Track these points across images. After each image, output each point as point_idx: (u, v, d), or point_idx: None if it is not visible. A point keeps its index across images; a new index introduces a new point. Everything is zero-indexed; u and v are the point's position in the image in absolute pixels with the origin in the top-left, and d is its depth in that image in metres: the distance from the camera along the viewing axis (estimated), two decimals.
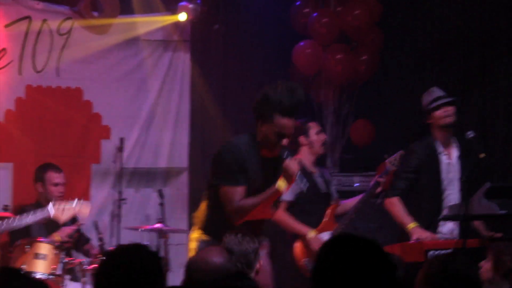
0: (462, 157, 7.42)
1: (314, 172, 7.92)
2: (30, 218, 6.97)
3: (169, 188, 9.17)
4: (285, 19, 9.77)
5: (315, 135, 7.97)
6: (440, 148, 7.37)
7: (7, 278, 3.48)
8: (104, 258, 3.59)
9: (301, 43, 9.58)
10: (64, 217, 7.08)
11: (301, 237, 7.63)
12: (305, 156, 7.87)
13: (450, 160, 7.38)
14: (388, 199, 7.34)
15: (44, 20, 8.72)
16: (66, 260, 7.07)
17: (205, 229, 6.30)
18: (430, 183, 7.35)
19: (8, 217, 7.08)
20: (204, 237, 6.18)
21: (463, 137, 7.26)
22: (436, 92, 7.51)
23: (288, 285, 7.61)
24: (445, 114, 7.28)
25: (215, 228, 6.06)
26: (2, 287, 3.45)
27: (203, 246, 6.07)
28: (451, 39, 9.31)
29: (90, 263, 7.20)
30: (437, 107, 7.31)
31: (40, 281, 3.95)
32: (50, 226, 7.54)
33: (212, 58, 9.62)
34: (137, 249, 3.43)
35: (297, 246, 7.63)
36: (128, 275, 3.23)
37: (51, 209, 6.97)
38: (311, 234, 7.54)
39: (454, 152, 7.42)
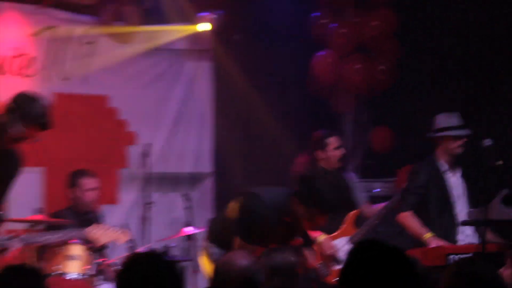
0: (464, 176, 7.54)
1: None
2: (68, 235, 6.96)
3: (194, 192, 9.31)
4: (304, 29, 9.84)
5: (332, 150, 8.04)
6: (443, 167, 7.49)
7: (15, 275, 3.72)
8: (122, 265, 3.63)
9: (320, 53, 9.74)
10: (102, 241, 7.00)
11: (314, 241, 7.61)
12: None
13: (454, 178, 7.50)
14: (402, 214, 7.42)
15: (71, 29, 8.91)
16: (99, 260, 7.24)
17: (215, 240, 6.49)
18: (438, 199, 7.45)
19: (49, 229, 7.20)
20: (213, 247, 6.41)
21: (478, 145, 7.23)
22: (455, 119, 7.57)
23: None
24: (458, 145, 7.40)
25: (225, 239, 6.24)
26: (10, 283, 3.67)
27: (216, 255, 6.28)
28: (469, 48, 9.36)
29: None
30: (454, 138, 7.43)
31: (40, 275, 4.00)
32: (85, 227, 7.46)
33: (233, 67, 9.61)
34: (152, 257, 3.56)
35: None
36: (143, 283, 3.33)
37: (90, 232, 6.85)
38: (320, 238, 7.55)
39: (458, 171, 7.55)
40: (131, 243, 7.51)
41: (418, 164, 7.73)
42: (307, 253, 6.68)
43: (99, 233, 6.83)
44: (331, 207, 6.22)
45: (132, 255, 4.48)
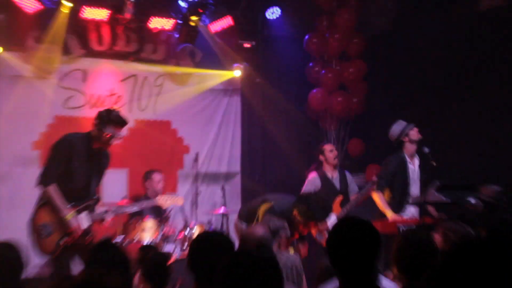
0: (421, 165, 7.59)
1: (334, 176, 8.05)
2: (145, 204, 7.21)
3: (228, 185, 9.32)
4: (303, 74, 9.90)
5: (328, 153, 8.05)
6: (407, 159, 7.53)
7: (102, 247, 3.83)
8: (197, 237, 3.75)
9: (314, 91, 9.76)
10: (166, 205, 7.41)
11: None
12: (326, 167, 8.03)
13: (413, 167, 7.56)
14: (375, 193, 7.49)
15: (145, 77, 9.07)
16: (164, 231, 7.44)
17: (243, 219, 6.78)
18: (400, 182, 7.51)
19: (132, 203, 7.28)
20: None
21: (421, 151, 7.50)
22: (404, 122, 7.62)
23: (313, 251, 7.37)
24: (417, 132, 7.48)
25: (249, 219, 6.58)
26: (100, 255, 3.74)
27: (243, 228, 6.54)
28: (412, 90, 9.21)
29: (179, 232, 7.50)
30: (412, 128, 7.49)
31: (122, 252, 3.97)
32: (155, 209, 7.83)
33: (254, 100, 9.77)
34: (217, 234, 3.89)
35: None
36: (213, 250, 3.40)
37: (159, 199, 7.25)
38: None
39: (416, 162, 7.60)
40: (185, 220, 7.79)
41: (389, 157, 7.72)
42: (300, 245, 6.70)
43: (164, 199, 7.25)
44: (319, 220, 6.55)
45: (203, 233, 4.73)
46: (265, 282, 2.44)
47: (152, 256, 4.61)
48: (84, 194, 6.35)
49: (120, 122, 6.32)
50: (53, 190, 6.13)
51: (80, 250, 6.19)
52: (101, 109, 7.00)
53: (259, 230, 4.76)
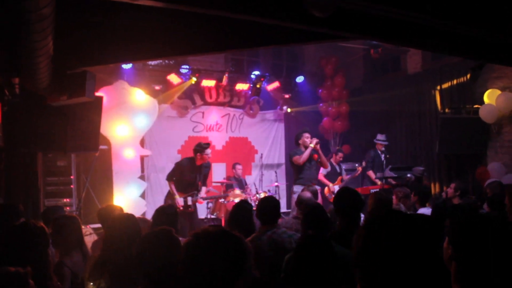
0: (385, 157, 7.51)
1: (336, 165, 7.96)
2: (214, 196, 7.04)
3: (278, 170, 9.06)
4: (317, 110, 9.63)
5: (336, 156, 8.03)
6: (378, 152, 7.63)
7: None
8: (261, 199, 3.41)
9: (324, 119, 9.64)
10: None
11: (328, 186, 7.59)
12: (334, 161, 7.98)
13: (382, 157, 7.50)
14: (367, 171, 7.54)
15: (234, 114, 9.01)
16: (245, 195, 7.10)
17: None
18: (376, 165, 7.51)
19: (211, 195, 7.00)
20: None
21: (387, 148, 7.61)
22: (383, 136, 7.70)
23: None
24: (383, 145, 7.58)
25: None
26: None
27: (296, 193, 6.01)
28: (372, 117, 9.03)
29: (253, 196, 7.15)
30: (383, 141, 7.59)
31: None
32: (240, 183, 7.82)
33: (291, 125, 9.49)
34: (271, 197, 3.41)
35: (326, 191, 7.50)
36: (269, 205, 3.23)
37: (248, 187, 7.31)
38: (330, 185, 7.58)
39: (383, 155, 7.54)
40: (256, 188, 7.61)
41: (369, 151, 7.69)
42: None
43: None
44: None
45: (264, 197, 3.77)
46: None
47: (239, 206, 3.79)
48: (192, 187, 6.21)
49: (204, 148, 6.08)
50: (170, 183, 6.18)
51: (183, 216, 5.70)
52: (213, 133, 7.42)
53: (307, 193, 4.35)
